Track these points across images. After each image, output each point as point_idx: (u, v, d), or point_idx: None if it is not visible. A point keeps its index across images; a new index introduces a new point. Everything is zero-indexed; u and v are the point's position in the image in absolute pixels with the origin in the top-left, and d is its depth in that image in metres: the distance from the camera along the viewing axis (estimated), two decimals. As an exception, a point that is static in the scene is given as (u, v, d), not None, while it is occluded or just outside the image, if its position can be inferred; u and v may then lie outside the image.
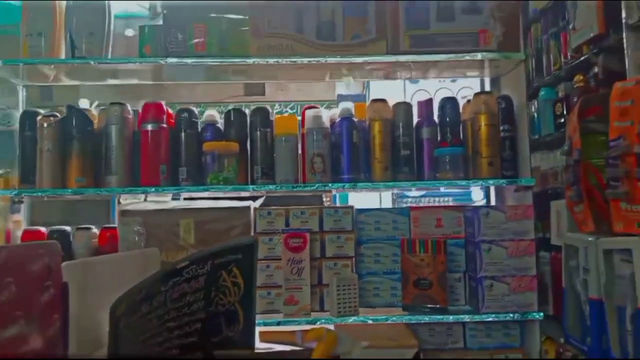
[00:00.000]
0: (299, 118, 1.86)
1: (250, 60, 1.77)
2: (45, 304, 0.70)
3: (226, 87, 3.78)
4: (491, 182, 1.81)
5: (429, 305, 1.68)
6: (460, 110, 1.85)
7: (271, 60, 1.76)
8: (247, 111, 1.88)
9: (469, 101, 1.84)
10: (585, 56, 1.58)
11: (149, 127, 1.76)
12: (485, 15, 1.77)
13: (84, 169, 1.74)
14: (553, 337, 1.71)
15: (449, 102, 1.84)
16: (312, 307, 1.70)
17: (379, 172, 1.78)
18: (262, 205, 1.85)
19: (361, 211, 1.79)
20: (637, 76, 1.33)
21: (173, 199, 1.91)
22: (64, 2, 1.81)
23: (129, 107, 1.80)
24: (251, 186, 1.78)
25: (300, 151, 1.81)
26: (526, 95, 1.85)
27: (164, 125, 1.78)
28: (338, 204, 2.93)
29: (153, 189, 1.74)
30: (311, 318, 1.67)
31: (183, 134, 1.79)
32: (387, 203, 2.86)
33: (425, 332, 1.76)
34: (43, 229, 1.82)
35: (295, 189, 1.77)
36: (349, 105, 1.81)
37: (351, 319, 1.66)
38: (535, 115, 1.91)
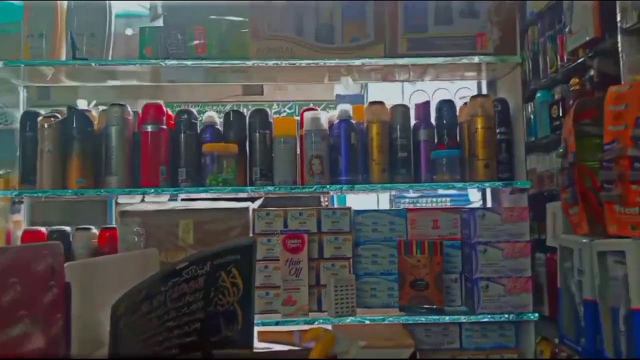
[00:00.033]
0: (297, 118, 1.87)
1: (249, 62, 1.78)
2: (49, 303, 0.71)
3: (225, 87, 3.79)
4: (487, 184, 1.82)
5: (425, 306, 1.70)
6: (457, 113, 1.86)
7: (270, 63, 1.77)
8: (246, 112, 1.89)
9: (465, 104, 1.86)
10: (581, 59, 1.59)
11: (149, 128, 1.77)
12: (482, 19, 1.78)
13: (84, 170, 1.75)
14: (548, 338, 1.73)
15: (446, 105, 1.86)
16: (309, 308, 1.71)
17: (377, 174, 1.79)
18: (260, 206, 1.86)
19: (359, 212, 1.80)
20: (631, 81, 1.34)
21: (170, 199, 1.92)
22: (65, 2, 1.81)
23: (129, 109, 1.80)
24: (250, 187, 1.79)
25: (298, 153, 1.82)
26: (523, 98, 1.87)
27: (164, 127, 1.79)
28: (336, 205, 2.94)
29: (153, 190, 1.76)
30: (309, 318, 1.69)
31: (182, 135, 1.80)
32: (385, 204, 2.87)
33: (422, 332, 1.77)
34: (43, 229, 1.83)
35: (293, 191, 1.78)
36: (347, 107, 1.82)
37: (348, 319, 1.67)
38: (532, 117, 1.92)
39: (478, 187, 1.95)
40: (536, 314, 1.71)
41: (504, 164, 1.82)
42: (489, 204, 2.07)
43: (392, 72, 1.94)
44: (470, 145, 1.81)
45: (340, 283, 1.68)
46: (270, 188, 1.78)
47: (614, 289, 1.18)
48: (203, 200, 1.85)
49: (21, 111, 1.91)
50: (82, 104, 1.86)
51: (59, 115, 1.78)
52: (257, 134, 1.81)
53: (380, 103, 1.84)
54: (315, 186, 1.77)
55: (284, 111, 4.12)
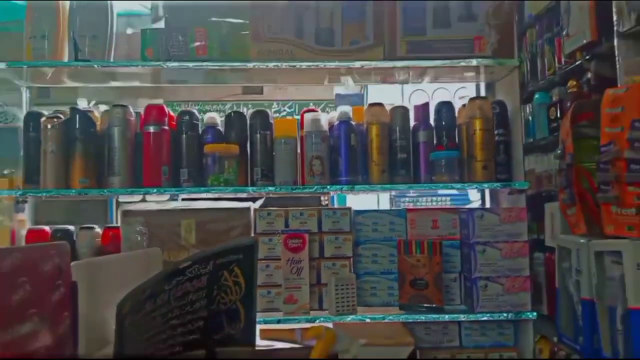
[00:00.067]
0: (297, 118, 1.88)
1: (250, 64, 1.79)
2: (56, 302, 0.72)
3: (225, 87, 3.80)
4: (485, 185, 1.84)
5: (425, 305, 1.71)
6: (456, 115, 1.87)
7: (271, 65, 1.78)
8: (246, 112, 1.90)
9: (464, 106, 1.87)
10: (579, 62, 1.60)
11: (151, 129, 1.78)
12: (480, 22, 1.80)
13: (87, 170, 1.76)
14: (547, 336, 1.74)
15: (445, 107, 1.87)
16: (311, 306, 1.73)
17: (377, 174, 1.80)
18: (261, 205, 1.88)
19: (359, 213, 1.82)
20: (628, 82, 1.35)
21: (170, 199, 1.93)
22: (67, 3, 1.81)
23: (131, 109, 1.81)
24: (251, 188, 1.80)
25: (299, 153, 1.83)
26: (521, 99, 1.88)
27: (166, 128, 1.80)
28: (336, 204, 2.95)
29: (155, 190, 1.77)
30: (310, 316, 1.70)
31: (184, 136, 1.82)
32: (385, 203, 2.89)
33: (422, 330, 1.78)
34: (47, 228, 1.84)
35: (294, 191, 1.79)
36: (347, 108, 1.84)
37: (349, 318, 1.69)
38: (530, 118, 1.93)
39: (476, 188, 1.97)
40: (534, 313, 1.73)
41: (502, 165, 1.83)
42: (487, 204, 2.08)
43: (391, 74, 1.95)
44: (468, 147, 1.83)
45: (341, 282, 1.70)
46: (271, 188, 1.79)
47: (611, 288, 1.19)
48: (203, 200, 1.87)
49: (24, 112, 1.92)
50: (82, 103, 1.87)
51: (62, 116, 1.78)
52: (258, 135, 1.82)
53: (380, 105, 1.85)
54: (316, 187, 1.78)
55: (284, 110, 4.11)
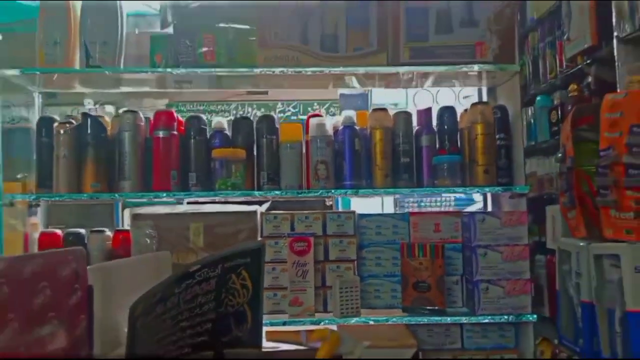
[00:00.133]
0: (302, 118, 1.91)
1: (257, 70, 1.81)
2: (74, 305, 0.75)
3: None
4: (487, 189, 1.86)
5: (427, 307, 1.73)
6: (458, 119, 1.90)
7: (277, 70, 1.81)
8: (252, 116, 1.92)
9: (466, 110, 1.89)
10: (579, 66, 1.62)
11: (161, 134, 1.81)
12: (481, 28, 1.82)
13: (98, 175, 1.79)
14: (549, 338, 1.76)
15: (447, 111, 1.89)
16: (315, 308, 1.75)
17: (380, 179, 1.82)
18: (268, 207, 1.90)
19: (363, 216, 1.84)
20: (628, 83, 1.36)
21: (177, 202, 1.96)
22: (79, 8, 1.82)
23: (141, 115, 1.84)
24: (258, 192, 1.82)
25: (304, 157, 1.86)
26: (523, 102, 1.89)
27: (175, 133, 1.83)
28: (340, 207, 2.97)
29: (165, 194, 1.80)
30: (315, 318, 1.73)
31: (192, 140, 1.85)
32: (389, 205, 2.91)
33: (424, 332, 1.80)
34: (59, 232, 1.88)
35: (299, 195, 1.82)
36: (351, 113, 1.86)
37: (353, 320, 1.71)
38: (532, 121, 1.94)
39: (478, 192, 1.98)
40: (535, 315, 1.74)
41: (503, 170, 1.85)
42: (489, 207, 2.10)
43: (395, 79, 1.97)
44: (470, 151, 1.85)
45: (345, 285, 1.72)
46: (277, 192, 1.81)
47: (609, 291, 1.20)
48: (209, 204, 1.90)
49: (37, 117, 1.95)
50: (88, 104, 1.90)
51: (73, 122, 1.82)
52: (264, 140, 1.85)
53: (383, 109, 1.88)
54: (321, 191, 1.81)
55: (289, 110, 4.09)
